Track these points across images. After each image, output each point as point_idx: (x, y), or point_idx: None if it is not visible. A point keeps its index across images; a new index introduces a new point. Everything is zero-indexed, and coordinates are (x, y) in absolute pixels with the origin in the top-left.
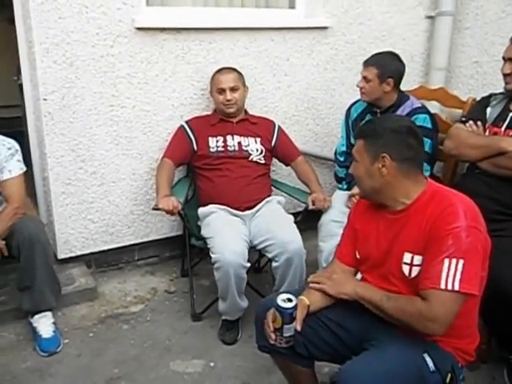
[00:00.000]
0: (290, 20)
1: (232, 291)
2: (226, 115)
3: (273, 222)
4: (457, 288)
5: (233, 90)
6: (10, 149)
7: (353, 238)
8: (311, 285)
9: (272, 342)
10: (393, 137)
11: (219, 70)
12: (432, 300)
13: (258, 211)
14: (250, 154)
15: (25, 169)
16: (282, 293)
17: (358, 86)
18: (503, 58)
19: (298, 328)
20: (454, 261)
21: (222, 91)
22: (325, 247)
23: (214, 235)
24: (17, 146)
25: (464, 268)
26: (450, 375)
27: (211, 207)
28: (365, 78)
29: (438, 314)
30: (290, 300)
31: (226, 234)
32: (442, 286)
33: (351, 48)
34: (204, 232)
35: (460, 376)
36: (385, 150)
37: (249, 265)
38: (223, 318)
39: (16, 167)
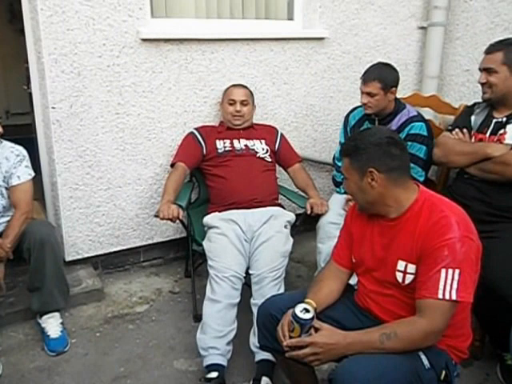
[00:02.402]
0: (289, 31)
1: (216, 308)
2: (233, 126)
3: (263, 250)
4: (454, 297)
5: (243, 103)
6: (18, 155)
7: (349, 241)
8: (305, 360)
9: (288, 342)
10: (376, 150)
11: (234, 85)
12: (430, 311)
13: (263, 224)
14: (257, 152)
15: (33, 174)
16: (298, 303)
17: (362, 102)
18: (479, 68)
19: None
20: (450, 271)
21: (233, 102)
22: (323, 248)
23: (212, 257)
24: (25, 153)
25: (460, 277)
26: (444, 372)
27: (216, 219)
28: (368, 93)
29: (440, 325)
30: (307, 310)
31: (225, 259)
32: (440, 296)
33: (347, 58)
34: (205, 245)
35: (454, 373)
36: (370, 164)
37: (239, 290)
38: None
39: (25, 173)
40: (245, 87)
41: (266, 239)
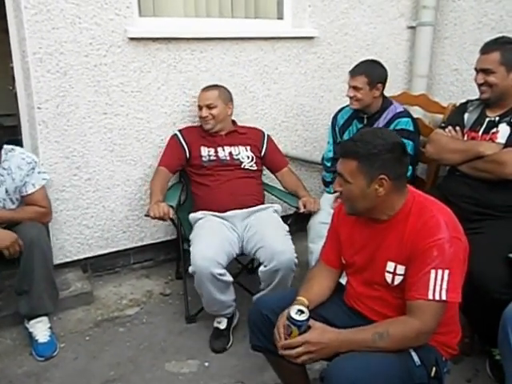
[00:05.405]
0: (279, 30)
1: (206, 291)
2: (207, 130)
3: (266, 230)
4: (444, 298)
5: (209, 107)
6: (30, 163)
7: (337, 242)
8: (298, 360)
9: (282, 343)
10: (389, 157)
11: (204, 87)
12: (421, 312)
13: (250, 215)
14: (242, 162)
15: (48, 178)
16: (292, 305)
17: (347, 95)
18: (475, 69)
19: None
20: (439, 271)
21: (200, 107)
22: (314, 248)
23: (193, 240)
24: (36, 158)
25: (449, 278)
26: (434, 369)
27: (200, 213)
28: (354, 87)
29: (431, 325)
30: (301, 311)
31: (204, 239)
32: (430, 297)
33: (337, 57)
34: (190, 236)
35: (444, 369)
36: (383, 171)
37: (223, 271)
38: (214, 325)
39: (39, 179)
40: (214, 88)
41: (262, 222)
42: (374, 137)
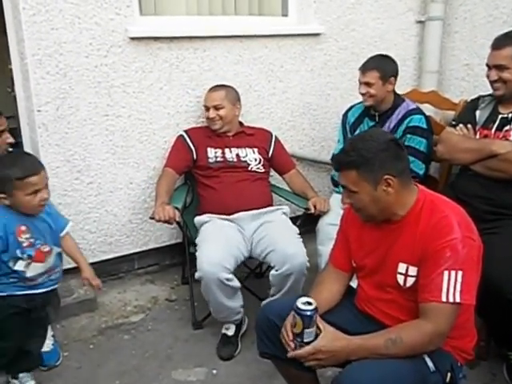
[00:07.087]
0: (283, 27)
1: (214, 297)
2: (215, 130)
3: (277, 233)
4: (458, 300)
5: (216, 108)
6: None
7: (346, 244)
8: (307, 364)
9: (291, 354)
10: (386, 155)
11: (210, 88)
12: (434, 314)
13: (258, 217)
14: (249, 164)
15: None
16: (300, 296)
17: (360, 93)
18: (487, 65)
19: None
20: (453, 273)
21: (207, 108)
22: (324, 251)
23: (200, 245)
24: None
25: (463, 279)
26: (449, 374)
27: (206, 216)
28: (366, 83)
29: (445, 328)
30: (309, 303)
31: (210, 243)
32: (444, 299)
33: (344, 54)
34: (197, 240)
35: (460, 374)
36: (385, 172)
37: (231, 276)
38: (222, 332)
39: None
40: (221, 88)
41: (272, 224)
42: (364, 141)
